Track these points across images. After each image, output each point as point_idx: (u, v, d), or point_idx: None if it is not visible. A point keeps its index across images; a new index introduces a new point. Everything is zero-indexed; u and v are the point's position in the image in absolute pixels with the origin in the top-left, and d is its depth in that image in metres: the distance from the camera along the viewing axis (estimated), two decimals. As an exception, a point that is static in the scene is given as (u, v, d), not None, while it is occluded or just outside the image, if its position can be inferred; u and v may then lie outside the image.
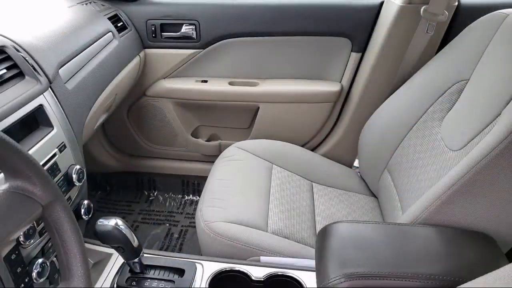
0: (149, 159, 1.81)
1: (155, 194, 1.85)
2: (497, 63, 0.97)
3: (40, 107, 0.82)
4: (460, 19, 1.35)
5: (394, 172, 1.22)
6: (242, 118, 1.71)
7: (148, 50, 1.58)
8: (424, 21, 1.28)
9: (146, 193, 1.85)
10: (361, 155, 1.42)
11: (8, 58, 0.80)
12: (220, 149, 1.68)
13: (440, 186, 0.87)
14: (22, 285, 0.47)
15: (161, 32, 1.56)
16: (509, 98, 0.86)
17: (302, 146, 1.60)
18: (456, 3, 1.33)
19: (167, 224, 1.68)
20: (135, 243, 0.85)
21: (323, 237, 0.83)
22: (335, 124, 1.66)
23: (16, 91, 0.76)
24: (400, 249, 0.77)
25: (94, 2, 1.39)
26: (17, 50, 0.82)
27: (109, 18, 1.34)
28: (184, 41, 1.57)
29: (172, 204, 1.80)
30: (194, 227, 1.68)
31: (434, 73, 1.19)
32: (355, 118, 1.56)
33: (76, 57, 1.04)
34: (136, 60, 1.46)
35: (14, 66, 0.80)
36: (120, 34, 1.37)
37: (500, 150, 0.79)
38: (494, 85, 0.93)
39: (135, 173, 1.83)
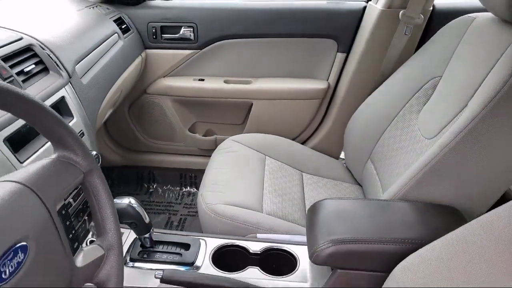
0: (149, 153, 1.90)
1: (154, 186, 1.93)
2: (465, 61, 1.08)
3: (62, 99, 0.92)
4: (435, 22, 1.47)
5: (376, 161, 1.32)
6: (236, 114, 1.80)
7: (149, 51, 1.67)
8: (402, 24, 1.40)
9: (146, 185, 1.94)
10: (346, 147, 1.51)
11: (35, 55, 0.90)
12: (216, 144, 1.77)
13: (415, 168, 0.98)
14: (70, 235, 0.57)
15: (161, 33, 1.65)
16: (474, 91, 0.97)
17: (293, 139, 1.69)
18: (431, 8, 1.46)
19: (167, 214, 1.77)
20: (147, 220, 0.94)
21: (312, 212, 0.94)
22: (322, 119, 1.76)
23: (43, 84, 0.86)
24: (379, 219, 0.88)
25: (100, 5, 1.49)
26: (42, 48, 0.92)
27: (114, 21, 1.44)
28: (183, 42, 1.66)
29: (171, 195, 1.89)
30: (193, 215, 1.77)
31: (411, 71, 1.30)
32: (341, 113, 1.66)
33: (89, 55, 1.14)
34: (138, 60, 1.56)
35: (40, 62, 0.90)
36: (124, 35, 1.47)
37: (464, 135, 0.90)
38: (462, 81, 1.05)
39: (135, 167, 1.91)
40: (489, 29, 1.04)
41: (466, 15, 1.17)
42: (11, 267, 0.44)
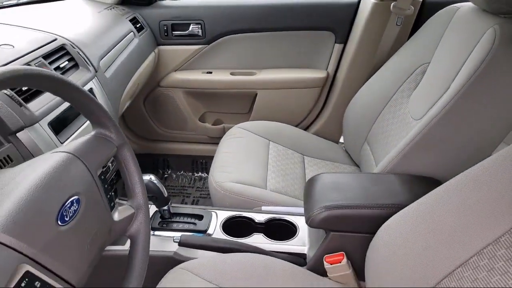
0: (163, 142, 2.03)
1: (169, 172, 2.07)
2: (449, 48, 1.18)
3: (91, 90, 1.06)
4: (425, 13, 1.57)
5: (372, 143, 1.43)
6: (242, 104, 1.92)
7: (161, 47, 1.80)
8: (394, 15, 1.50)
9: (161, 171, 2.07)
10: (345, 131, 1.62)
11: (67, 53, 1.04)
12: (224, 132, 1.88)
13: (402, 144, 1.09)
14: (108, 195, 0.70)
15: (172, 31, 1.78)
16: (456, 74, 1.06)
17: (296, 126, 1.79)
18: (422, 0, 1.56)
19: (181, 196, 1.91)
20: (165, 194, 1.07)
21: (310, 183, 1.06)
22: (323, 106, 1.87)
23: (75, 77, 1.00)
24: (367, 189, 1.00)
25: (116, 7, 1.62)
26: (73, 47, 1.06)
27: (130, 20, 1.57)
28: (192, 38, 1.78)
29: (184, 180, 2.03)
30: (204, 197, 1.91)
31: (403, 58, 1.40)
32: (340, 100, 1.76)
33: (110, 52, 1.27)
34: (152, 56, 1.69)
35: (71, 59, 1.04)
36: (139, 33, 1.60)
37: (444, 113, 1.00)
38: (447, 65, 1.14)
39: (151, 154, 2.04)
40: (470, 18, 1.13)
41: (452, 5, 1.27)
42: (70, 213, 0.58)
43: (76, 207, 0.59)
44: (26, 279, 0.49)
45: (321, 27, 1.73)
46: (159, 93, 1.89)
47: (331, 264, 0.94)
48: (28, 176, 0.58)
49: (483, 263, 0.67)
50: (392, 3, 1.47)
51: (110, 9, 1.55)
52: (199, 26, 1.77)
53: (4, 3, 1.42)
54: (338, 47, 1.74)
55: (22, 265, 0.49)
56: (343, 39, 1.73)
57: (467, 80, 0.98)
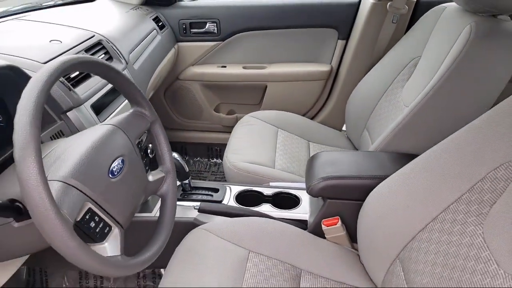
0: (181, 131, 2.18)
1: (186, 158, 2.22)
2: (436, 43, 1.31)
3: (123, 79, 1.22)
4: (419, 12, 1.69)
5: (370, 129, 1.55)
6: (253, 95, 2.05)
7: (180, 43, 1.94)
8: (390, 13, 1.63)
9: None
10: (347, 120, 1.74)
11: (103, 47, 1.20)
12: (236, 121, 2.02)
13: (392, 126, 1.23)
14: (144, 161, 0.85)
15: (190, 29, 1.92)
16: (440, 65, 1.19)
17: (303, 115, 1.93)
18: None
19: (198, 179, 2.06)
20: (186, 169, 1.23)
21: (310, 160, 1.21)
22: (327, 97, 2.00)
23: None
24: (360, 163, 1.14)
25: (140, 7, 1.78)
26: (107, 42, 1.22)
27: (153, 19, 1.73)
28: (208, 36, 1.93)
29: (200, 165, 2.18)
30: (219, 181, 2.06)
31: (398, 53, 1.52)
32: (342, 91, 1.89)
33: (138, 47, 1.43)
34: (172, 51, 1.84)
35: (106, 52, 1.20)
36: (161, 31, 1.76)
37: (428, 98, 1.14)
38: (433, 58, 1.27)
39: (170, 142, 2.18)
40: (454, 16, 1.26)
41: (440, 5, 1.39)
42: (117, 170, 0.74)
43: (121, 165, 0.75)
44: (89, 214, 0.65)
45: (325, 25, 1.86)
46: (178, 86, 2.04)
47: (327, 226, 1.08)
48: (84, 141, 0.74)
49: (448, 217, 0.81)
50: (389, 3, 1.59)
51: (135, 9, 1.71)
52: (215, 24, 1.91)
53: (43, 4, 1.58)
54: (340, 43, 1.87)
55: (86, 203, 0.65)
56: (345, 36, 1.85)
57: (447, 69, 1.12)
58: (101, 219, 0.67)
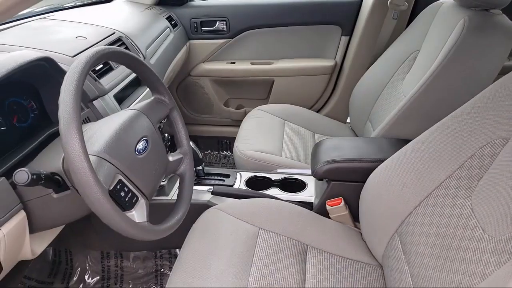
0: (193, 125, 2.26)
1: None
2: (434, 37, 1.37)
3: (141, 73, 1.30)
4: (419, 8, 1.75)
5: (373, 120, 1.62)
6: (261, 90, 2.13)
7: (192, 41, 2.03)
8: (390, 10, 1.70)
9: None
10: (351, 112, 1.81)
11: (123, 43, 1.28)
12: (245, 115, 2.04)
13: (392, 114, 1.30)
14: (164, 143, 0.94)
15: (201, 27, 2.01)
16: (436, 57, 1.25)
17: (309, 108, 1.98)
18: (415, -4, 1.75)
19: (209, 170, 2.15)
20: (200, 155, 1.31)
21: (316, 146, 1.28)
22: (332, 91, 2.07)
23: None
24: (361, 148, 1.21)
25: (154, 7, 1.87)
26: (127, 38, 1.31)
27: (166, 18, 1.82)
28: (218, 33, 2.01)
29: (211, 158, 2.27)
30: (229, 171, 2.13)
31: (398, 48, 1.59)
32: (346, 85, 1.96)
33: (153, 43, 1.52)
34: (184, 49, 1.93)
35: (126, 48, 1.29)
36: (174, 29, 1.84)
37: (424, 88, 1.21)
38: (431, 51, 1.34)
39: None
40: (449, 11, 1.33)
41: (437, 1, 1.46)
42: (142, 148, 0.82)
43: (146, 145, 0.83)
44: (119, 184, 0.74)
45: (330, 22, 1.93)
46: (189, 82, 2.12)
47: (331, 206, 1.16)
48: (113, 123, 0.82)
49: (441, 192, 0.89)
50: (389, 0, 1.66)
51: (150, 9, 1.80)
52: (224, 22, 1.99)
53: (64, 5, 1.68)
54: (344, 39, 1.94)
55: (117, 175, 0.74)
56: (349, 32, 1.92)
57: (443, 60, 1.19)
58: (129, 190, 0.75)
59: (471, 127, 0.86)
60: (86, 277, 1.39)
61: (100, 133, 0.79)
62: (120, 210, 0.67)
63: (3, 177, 0.76)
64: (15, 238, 0.78)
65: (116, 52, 0.79)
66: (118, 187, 0.73)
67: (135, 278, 1.39)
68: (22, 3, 0.55)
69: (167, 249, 1.38)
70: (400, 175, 1.00)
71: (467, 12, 1.20)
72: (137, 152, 0.80)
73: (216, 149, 2.30)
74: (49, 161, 0.78)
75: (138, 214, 0.76)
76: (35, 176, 0.67)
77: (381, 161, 1.11)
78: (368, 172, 1.10)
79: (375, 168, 1.10)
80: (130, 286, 1.38)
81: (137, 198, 0.77)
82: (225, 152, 2.29)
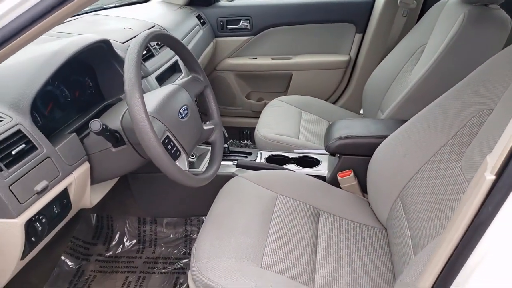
0: (217, 116, 2.42)
1: None
2: (439, 31, 1.50)
3: (176, 61, 1.47)
4: (428, 5, 1.87)
5: (384, 110, 1.74)
6: (280, 83, 2.28)
7: (218, 38, 2.19)
8: (401, 8, 1.83)
9: None
10: (364, 103, 1.92)
11: (162, 35, 1.46)
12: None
13: (399, 98, 1.43)
14: (200, 114, 1.10)
15: (226, 25, 2.17)
16: (437, 49, 1.38)
17: (325, 100, 2.12)
18: (425, -5, 1.87)
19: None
20: (226, 134, 1.46)
21: (329, 126, 1.42)
22: (347, 84, 2.20)
23: (167, 52, 1.42)
24: (370, 127, 1.34)
25: (185, 7, 2.05)
26: (165, 31, 1.48)
27: (196, 17, 1.99)
28: (242, 31, 2.17)
29: (233, 146, 2.41)
30: (250, 157, 2.27)
31: (408, 42, 1.71)
32: (360, 78, 2.09)
33: (186, 37, 1.69)
34: (211, 45, 2.09)
35: (164, 39, 1.46)
36: (202, 27, 2.01)
37: (427, 74, 1.34)
38: (436, 43, 1.46)
39: None
40: (453, 8, 1.45)
41: (443, -1, 1.58)
42: (184, 113, 0.98)
43: (187, 111, 0.99)
44: (167, 139, 0.90)
45: (344, 20, 2.07)
46: (215, 75, 2.29)
47: (342, 177, 1.30)
48: (160, 93, 0.99)
49: (436, 159, 1.02)
50: (399, -1, 1.80)
51: (181, 8, 1.98)
52: (248, 21, 2.15)
53: (106, 5, 1.87)
54: (358, 36, 2.07)
55: (165, 131, 0.90)
56: (362, 30, 2.05)
57: (444, 49, 1.31)
58: (174, 145, 0.91)
59: (463, 101, 0.99)
60: (125, 240, 1.56)
61: (151, 100, 0.95)
62: (169, 156, 0.83)
63: (74, 133, 0.93)
64: (81, 184, 0.94)
65: (165, 35, 0.96)
66: (166, 141, 0.89)
67: (167, 242, 1.55)
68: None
69: (196, 216, 1.54)
70: (402, 147, 1.13)
71: (468, 7, 1.32)
72: (180, 116, 0.96)
73: (237, 138, 2.45)
74: (110, 121, 0.94)
75: (181, 164, 0.91)
76: (105, 126, 0.84)
77: (386, 137, 1.24)
78: (375, 147, 1.23)
79: (381, 143, 1.23)
80: (163, 248, 1.54)
81: (180, 152, 0.93)
82: (246, 141, 2.44)
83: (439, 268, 0.51)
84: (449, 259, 0.50)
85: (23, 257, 0.84)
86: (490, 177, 0.46)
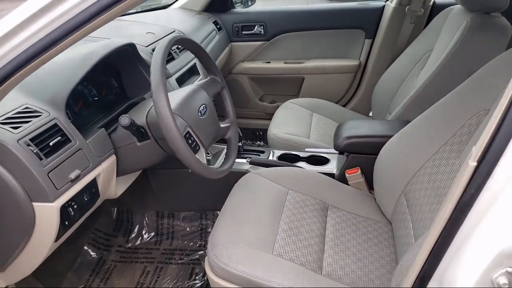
0: (231, 117, 2.51)
1: None
2: (444, 37, 1.56)
3: (194, 64, 1.56)
4: (436, 13, 1.93)
5: (391, 112, 1.81)
6: (292, 87, 2.35)
7: (233, 43, 2.27)
8: (408, 16, 1.89)
9: None
10: (373, 106, 1.97)
11: (181, 39, 1.55)
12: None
13: (404, 100, 1.49)
14: (216, 113, 1.18)
15: (241, 31, 2.25)
16: (442, 52, 1.44)
17: (335, 103, 2.19)
18: (432, 3, 1.93)
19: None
20: (240, 133, 1.54)
21: (338, 127, 1.49)
22: (357, 87, 2.26)
23: (186, 55, 1.51)
24: (376, 127, 1.41)
25: (202, 13, 2.14)
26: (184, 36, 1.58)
27: (213, 23, 2.08)
28: (256, 36, 2.25)
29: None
30: (262, 157, 2.35)
31: (415, 48, 1.77)
32: (369, 82, 2.15)
33: (203, 42, 1.78)
34: (226, 49, 2.18)
35: (183, 43, 1.55)
36: (219, 32, 2.10)
37: (432, 78, 1.40)
38: (441, 49, 1.52)
39: None
40: (457, 15, 1.51)
41: (449, 7, 1.64)
42: (203, 111, 1.06)
43: (205, 109, 1.08)
44: (187, 134, 0.98)
45: (355, 26, 2.13)
46: (230, 79, 2.37)
47: (350, 174, 1.36)
48: (180, 93, 1.07)
49: (438, 156, 1.08)
50: (407, 7, 1.86)
51: (199, 14, 2.08)
52: (262, 27, 2.23)
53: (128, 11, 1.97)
54: (367, 41, 2.14)
55: (186, 127, 0.98)
56: (372, 36, 2.12)
57: (448, 54, 1.37)
58: (194, 139, 0.99)
59: (463, 103, 1.05)
60: (143, 232, 1.64)
61: (173, 99, 1.04)
62: (190, 149, 0.91)
63: (103, 128, 1.02)
64: (108, 175, 1.03)
65: (186, 39, 1.04)
66: (187, 136, 0.97)
67: (183, 234, 1.63)
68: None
69: (211, 210, 1.61)
70: (406, 145, 1.19)
71: (470, 15, 1.38)
72: (199, 114, 1.04)
73: (250, 139, 2.53)
74: (136, 117, 1.03)
75: (200, 158, 0.99)
76: (132, 121, 0.92)
77: (391, 137, 1.30)
78: (381, 146, 1.29)
79: (387, 142, 1.29)
80: (179, 241, 1.62)
81: (199, 146, 1.01)
82: (258, 142, 2.51)
83: (431, 244, 0.58)
84: (439, 235, 0.57)
85: (57, 239, 0.93)
86: (473, 163, 0.53)
